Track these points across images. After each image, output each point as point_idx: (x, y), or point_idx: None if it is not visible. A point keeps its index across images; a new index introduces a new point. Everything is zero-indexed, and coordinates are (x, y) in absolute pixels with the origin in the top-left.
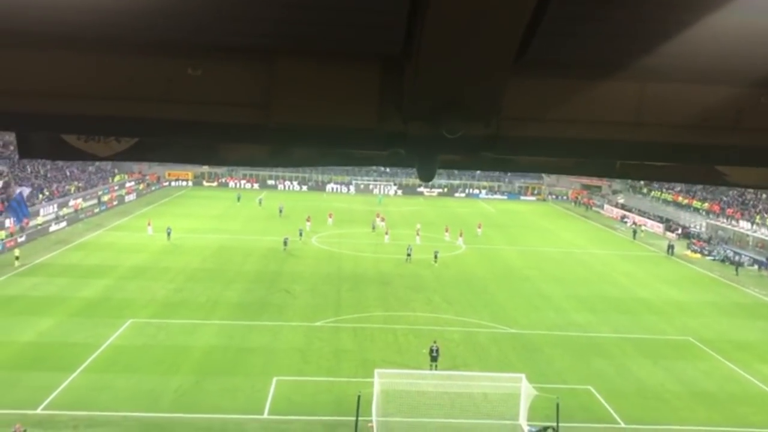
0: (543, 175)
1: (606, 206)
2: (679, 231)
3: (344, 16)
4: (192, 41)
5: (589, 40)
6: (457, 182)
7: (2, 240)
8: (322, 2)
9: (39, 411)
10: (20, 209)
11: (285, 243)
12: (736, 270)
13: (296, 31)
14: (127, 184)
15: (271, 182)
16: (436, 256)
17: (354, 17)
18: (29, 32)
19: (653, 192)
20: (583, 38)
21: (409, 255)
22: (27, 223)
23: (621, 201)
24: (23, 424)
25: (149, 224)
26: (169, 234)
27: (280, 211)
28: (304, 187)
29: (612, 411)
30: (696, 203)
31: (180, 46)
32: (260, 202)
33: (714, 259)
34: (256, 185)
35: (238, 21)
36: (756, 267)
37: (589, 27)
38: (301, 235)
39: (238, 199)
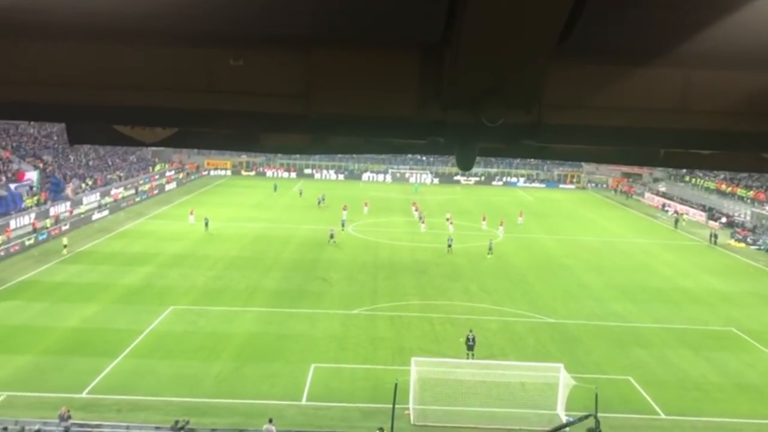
0: (582, 163)
1: (647, 194)
2: (723, 220)
3: (383, 4)
4: (233, 32)
5: (633, 25)
6: (494, 170)
7: (48, 228)
8: None
9: (84, 395)
10: (57, 189)
11: (331, 236)
12: None
13: (335, 20)
14: (167, 174)
15: (308, 171)
16: (490, 248)
17: (393, 5)
18: (75, 24)
19: (695, 180)
20: (627, 24)
21: (450, 246)
22: (71, 212)
23: (662, 189)
24: (69, 408)
25: (191, 213)
26: (206, 224)
27: (319, 202)
28: (341, 176)
29: (651, 401)
30: (740, 191)
31: (221, 37)
32: (300, 193)
33: (759, 249)
34: (293, 174)
35: (277, 11)
36: None
37: (634, 12)
38: (343, 226)
39: (275, 188)
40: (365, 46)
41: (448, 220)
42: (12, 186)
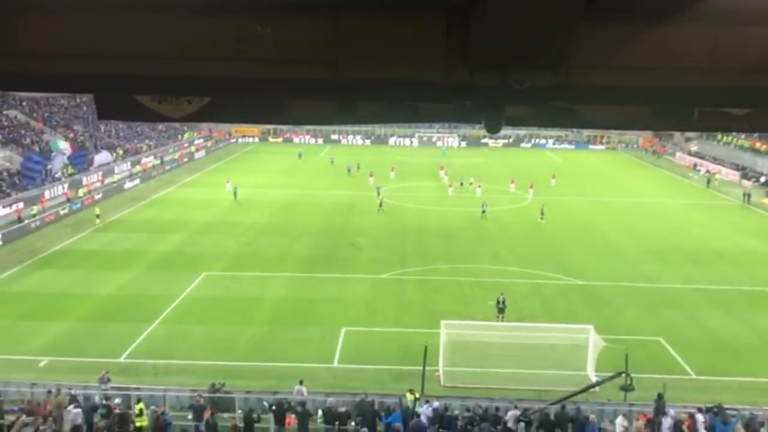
0: None
1: (678, 154)
2: (760, 179)
3: None
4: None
5: None
6: (523, 132)
7: (81, 198)
8: None
9: (122, 359)
10: (79, 160)
11: (380, 204)
12: None
13: None
14: (196, 141)
15: (335, 137)
16: (542, 212)
17: None
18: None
19: (728, 138)
20: None
21: (484, 212)
22: (103, 181)
23: (694, 148)
24: (108, 371)
25: (228, 181)
26: (235, 194)
27: (349, 170)
28: (368, 141)
29: (682, 362)
30: None
31: (248, 4)
32: (332, 162)
33: None
34: (320, 140)
35: None
36: None
37: None
38: (379, 194)
39: (300, 156)
40: (392, 10)
41: (471, 184)
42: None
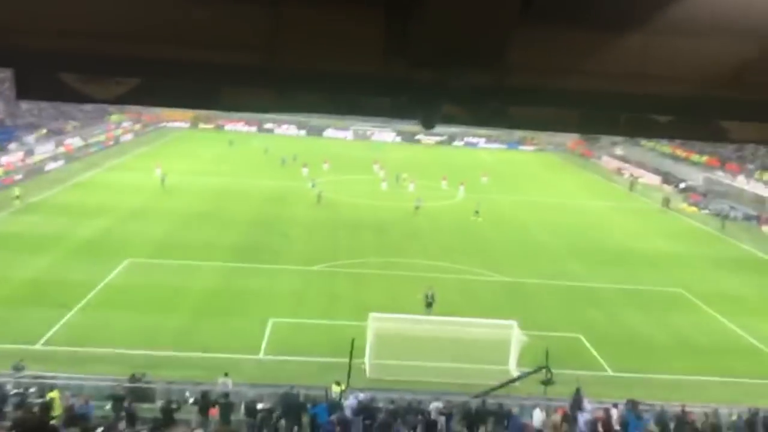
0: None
1: (604, 157)
2: (680, 185)
3: None
4: None
5: None
6: (455, 130)
7: (0, 178)
8: None
9: (39, 347)
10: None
11: (318, 197)
12: (723, 224)
13: None
14: (124, 124)
15: (268, 126)
16: (477, 211)
17: None
18: None
19: (651, 144)
20: None
21: (417, 207)
22: (23, 161)
23: (619, 152)
24: (23, 359)
25: (158, 167)
26: (163, 180)
27: (283, 161)
28: (302, 132)
29: (600, 358)
30: (694, 157)
31: None
32: (266, 151)
33: (710, 213)
34: (253, 128)
35: None
36: (747, 221)
37: None
38: (313, 186)
39: (231, 143)
40: (333, 0)
41: (405, 179)
42: None
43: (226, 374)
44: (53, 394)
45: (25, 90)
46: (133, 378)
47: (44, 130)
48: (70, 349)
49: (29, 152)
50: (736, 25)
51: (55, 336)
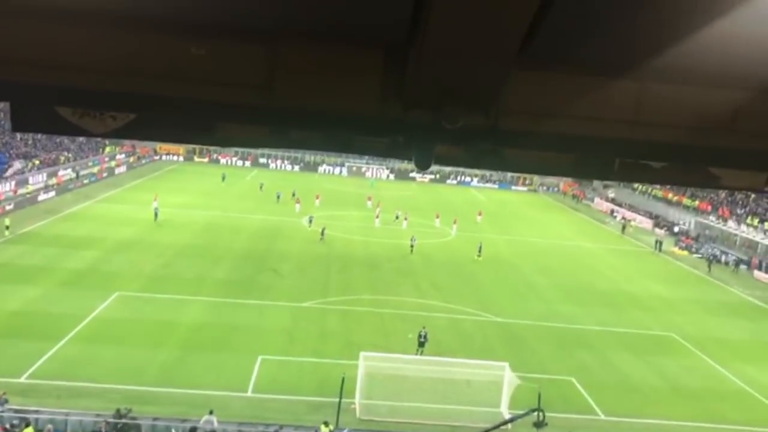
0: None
1: (596, 200)
2: (672, 229)
3: (351, 1)
4: (197, 20)
5: (590, 37)
6: (449, 169)
7: None
8: None
9: (22, 380)
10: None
11: (322, 234)
12: (709, 267)
13: (301, 14)
14: (118, 157)
15: (263, 161)
16: (480, 250)
17: (360, 3)
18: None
19: (643, 187)
20: (585, 35)
21: (412, 246)
22: (15, 191)
23: (611, 195)
24: (6, 392)
25: (155, 199)
26: (156, 214)
27: (278, 197)
28: (296, 167)
29: (592, 402)
30: (686, 201)
31: (185, 24)
32: (261, 187)
33: (701, 257)
34: (248, 163)
35: (244, 1)
36: (736, 266)
37: (591, 25)
38: (311, 223)
39: (223, 178)
40: (331, 42)
41: (398, 217)
42: None
43: (211, 412)
44: (28, 431)
45: (21, 123)
46: (118, 413)
47: (37, 161)
48: (54, 382)
49: (22, 182)
50: (731, 73)
51: (41, 369)
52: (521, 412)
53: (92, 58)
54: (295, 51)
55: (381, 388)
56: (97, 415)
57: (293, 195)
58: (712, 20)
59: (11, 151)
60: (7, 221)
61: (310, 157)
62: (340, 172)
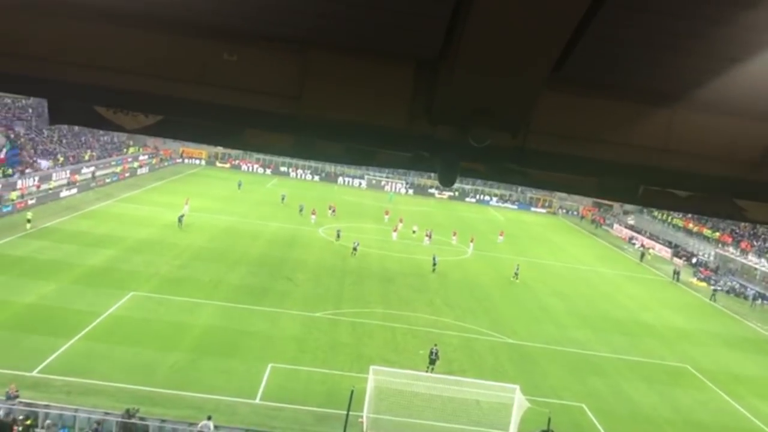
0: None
1: (615, 226)
2: (691, 259)
3: (385, 15)
4: (230, 26)
5: (624, 63)
6: (468, 187)
7: (13, 201)
8: (364, 0)
9: (34, 374)
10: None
11: (355, 249)
12: (712, 296)
13: (334, 26)
14: (141, 158)
15: (283, 169)
16: (516, 274)
17: (394, 18)
18: (70, 2)
19: (663, 215)
20: (618, 60)
21: (435, 265)
22: (38, 187)
23: (631, 222)
24: (17, 386)
25: (186, 203)
26: (180, 220)
27: (301, 210)
28: (316, 177)
29: (602, 430)
30: (707, 231)
31: (218, 30)
32: (283, 199)
33: (719, 290)
34: (269, 171)
35: (276, 10)
36: (755, 300)
37: (626, 50)
38: (338, 236)
39: (239, 186)
40: (362, 54)
41: (414, 232)
42: None
43: (209, 417)
44: (29, 422)
45: (58, 116)
46: (127, 413)
47: (61, 158)
48: (66, 378)
49: (45, 178)
50: (762, 108)
51: (52, 364)
52: None
53: (126, 60)
54: (325, 62)
55: (390, 403)
56: (106, 414)
57: (300, 210)
58: (748, 54)
59: (37, 147)
60: (29, 215)
61: (330, 167)
62: (360, 184)
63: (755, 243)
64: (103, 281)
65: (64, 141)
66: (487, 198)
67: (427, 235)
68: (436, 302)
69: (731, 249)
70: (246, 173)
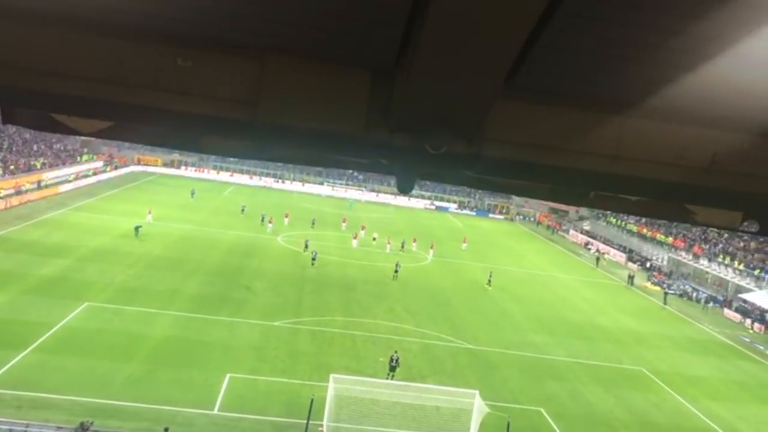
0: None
1: (571, 231)
2: (645, 264)
3: (341, 23)
4: (184, 32)
5: (576, 71)
6: (427, 194)
7: None
8: (321, 7)
9: None
10: None
11: (313, 258)
12: (664, 299)
13: (291, 33)
14: (95, 165)
15: (242, 177)
16: (490, 279)
17: (350, 26)
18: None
19: (618, 221)
20: (570, 69)
21: (396, 272)
22: None
23: (586, 228)
24: None
25: (149, 212)
26: (137, 230)
27: (262, 219)
28: (275, 185)
29: None
30: (660, 236)
31: (172, 36)
32: (243, 210)
33: (672, 293)
34: (227, 176)
35: (232, 16)
36: (707, 303)
37: (578, 59)
38: (306, 247)
39: (192, 194)
40: (319, 61)
41: (375, 239)
42: None
43: (166, 429)
44: None
45: (9, 117)
46: (81, 427)
47: (12, 166)
48: (16, 392)
49: None
50: (711, 115)
51: (2, 378)
52: None
53: (81, 66)
54: (282, 69)
55: (350, 411)
56: (59, 428)
57: (262, 220)
58: (697, 64)
59: None
60: None
61: (290, 174)
62: (320, 192)
63: (704, 247)
64: (56, 291)
65: (14, 149)
66: (445, 205)
67: (387, 243)
68: (396, 309)
69: (683, 253)
70: (202, 181)
